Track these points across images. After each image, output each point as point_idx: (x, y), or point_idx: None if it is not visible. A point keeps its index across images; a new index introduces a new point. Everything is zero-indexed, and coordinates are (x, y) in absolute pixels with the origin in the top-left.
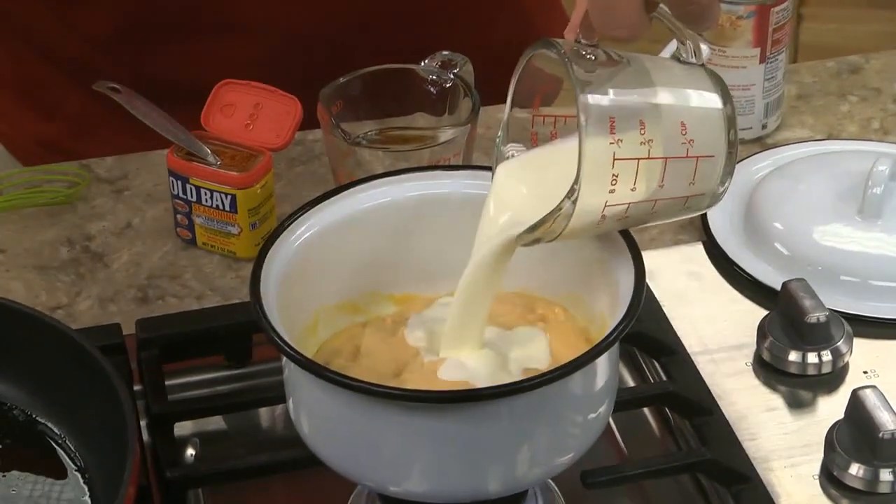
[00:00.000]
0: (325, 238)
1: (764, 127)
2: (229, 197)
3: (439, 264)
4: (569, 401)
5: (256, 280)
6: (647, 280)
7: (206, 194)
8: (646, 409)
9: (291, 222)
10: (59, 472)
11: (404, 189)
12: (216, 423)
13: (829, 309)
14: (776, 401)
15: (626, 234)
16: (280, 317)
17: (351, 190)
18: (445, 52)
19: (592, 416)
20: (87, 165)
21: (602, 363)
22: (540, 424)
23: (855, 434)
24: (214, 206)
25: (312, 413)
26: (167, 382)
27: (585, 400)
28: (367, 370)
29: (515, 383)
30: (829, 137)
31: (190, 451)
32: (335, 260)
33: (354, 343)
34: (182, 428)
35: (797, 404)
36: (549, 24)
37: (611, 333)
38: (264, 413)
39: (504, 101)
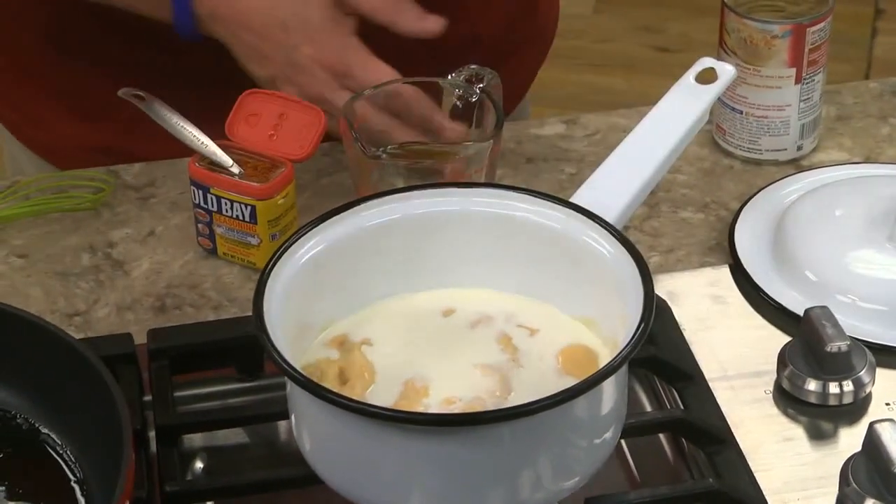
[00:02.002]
0: (333, 254)
1: (799, 149)
2: (249, 208)
3: (447, 279)
4: (573, 425)
5: (260, 295)
6: (670, 302)
7: (226, 204)
8: (661, 436)
9: (298, 238)
10: (58, 484)
11: (413, 206)
12: (230, 436)
13: (853, 338)
14: (794, 431)
15: (638, 261)
16: (287, 332)
17: (360, 206)
18: (473, 66)
19: (598, 441)
20: (114, 171)
21: (608, 387)
22: (543, 449)
23: (870, 468)
24: (235, 216)
25: (313, 432)
26: (179, 394)
27: (590, 425)
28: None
29: (518, 407)
30: (867, 161)
31: (199, 465)
32: (342, 276)
33: (358, 360)
34: (193, 440)
35: (816, 435)
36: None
37: (615, 359)
38: (281, 426)
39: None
